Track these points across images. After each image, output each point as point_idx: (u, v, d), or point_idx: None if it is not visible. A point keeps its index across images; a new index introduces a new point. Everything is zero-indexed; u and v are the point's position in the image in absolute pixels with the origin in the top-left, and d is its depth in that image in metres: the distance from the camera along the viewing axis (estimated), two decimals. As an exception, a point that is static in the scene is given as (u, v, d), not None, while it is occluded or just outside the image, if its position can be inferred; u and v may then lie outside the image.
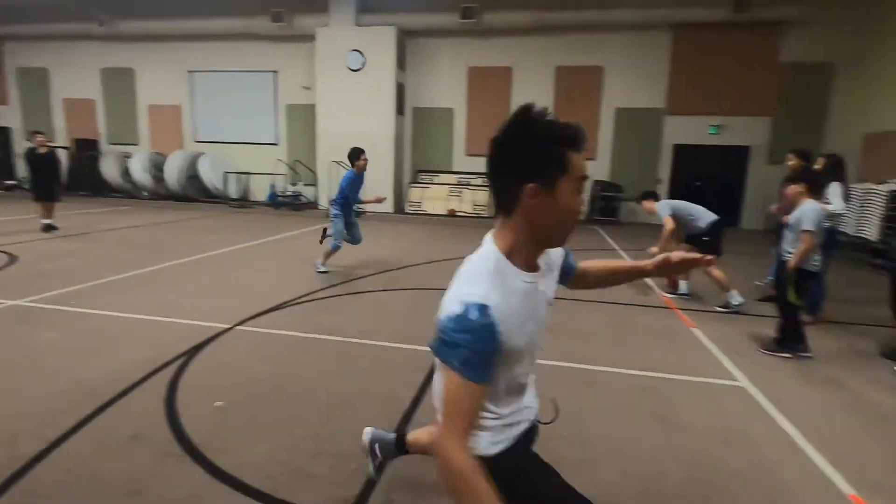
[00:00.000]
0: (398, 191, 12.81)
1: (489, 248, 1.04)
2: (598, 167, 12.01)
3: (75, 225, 8.62)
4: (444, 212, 12.29)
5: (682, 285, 5.23)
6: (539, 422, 1.31)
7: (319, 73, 12.36)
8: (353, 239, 5.97)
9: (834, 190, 4.12)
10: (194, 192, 13.25)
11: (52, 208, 8.12)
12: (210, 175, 13.04)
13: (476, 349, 0.93)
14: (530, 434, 1.25)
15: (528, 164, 0.98)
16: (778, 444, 2.49)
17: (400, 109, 12.52)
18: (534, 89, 12.11)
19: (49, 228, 7.92)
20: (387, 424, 2.50)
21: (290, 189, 13.07)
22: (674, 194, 11.92)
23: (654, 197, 5.12)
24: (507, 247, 1.03)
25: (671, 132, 11.73)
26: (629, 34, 11.46)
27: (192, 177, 13.19)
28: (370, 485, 2.04)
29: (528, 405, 1.22)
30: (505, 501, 0.93)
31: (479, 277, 0.98)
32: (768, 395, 2.99)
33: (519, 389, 1.16)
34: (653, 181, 11.70)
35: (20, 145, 15.25)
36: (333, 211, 5.70)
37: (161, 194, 13.47)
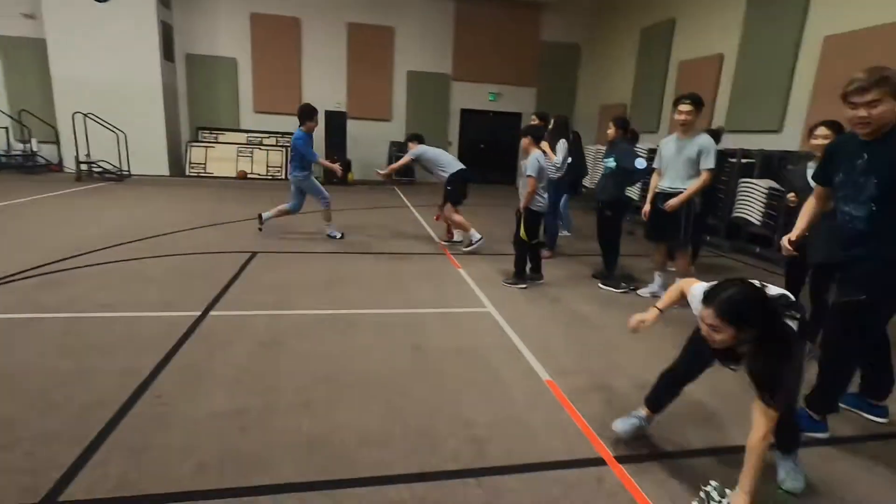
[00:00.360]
0: (174, 150, 11.19)
1: None
2: (393, 129, 12.32)
3: None
4: (232, 174, 11.22)
5: (456, 234, 5.80)
6: None
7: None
8: (295, 207, 5.64)
9: (560, 146, 4.99)
10: None
11: None
12: None
13: None
14: None
15: None
16: (506, 352, 2.99)
17: (168, 55, 10.77)
18: (326, 44, 11.66)
19: None
20: (111, 400, 2.23)
21: (19, 147, 10.31)
22: (462, 156, 13.02)
23: (418, 140, 5.65)
24: None
25: (458, 97, 12.62)
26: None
27: None
28: (70, 474, 1.80)
29: None
30: None
31: None
32: (505, 316, 3.55)
33: None
34: (444, 143, 12.55)
35: None
36: (299, 175, 5.43)
37: None
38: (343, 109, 11.68)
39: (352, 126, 11.54)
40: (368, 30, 11.79)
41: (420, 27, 12.02)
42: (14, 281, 3.72)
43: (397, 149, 11.85)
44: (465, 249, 5.39)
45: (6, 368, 2.46)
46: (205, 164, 11.24)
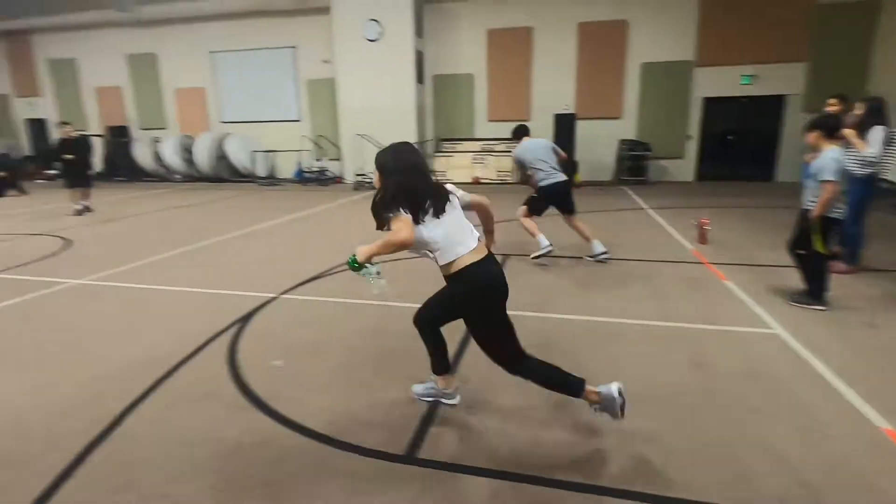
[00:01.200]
0: (422, 161, 12.84)
1: None
2: (623, 126, 11.76)
3: (116, 209, 9.03)
4: (468, 180, 12.30)
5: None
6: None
7: (338, 45, 12.32)
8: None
9: (875, 135, 4.00)
10: (224, 173, 13.59)
11: (87, 194, 8.56)
12: (238, 155, 13.33)
13: None
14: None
15: None
16: (813, 385, 2.56)
17: (420, 78, 12.42)
18: (556, 49, 11.82)
19: (83, 211, 8.35)
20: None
21: (316, 165, 13.26)
22: (704, 150, 11.65)
23: (523, 134, 5.00)
24: None
25: (701, 85, 11.31)
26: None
27: (221, 157, 13.50)
28: (422, 428, 2.23)
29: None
30: None
31: None
32: (803, 341, 3.04)
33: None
34: (682, 138, 11.42)
35: (58, 135, 15.85)
36: None
37: (193, 176, 13.86)
38: (571, 111, 11.67)
39: (580, 127, 11.43)
40: (600, 27, 11.49)
41: (658, 15, 11.16)
42: (339, 272, 4.81)
43: (628, 147, 11.27)
44: (532, 257, 4.87)
45: (354, 342, 3.20)
46: (445, 171, 12.60)
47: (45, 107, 16.04)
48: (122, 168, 14.36)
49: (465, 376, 2.68)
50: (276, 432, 2.23)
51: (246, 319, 3.58)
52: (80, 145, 8.56)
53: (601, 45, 11.56)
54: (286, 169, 13.91)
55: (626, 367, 2.77)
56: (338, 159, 13.26)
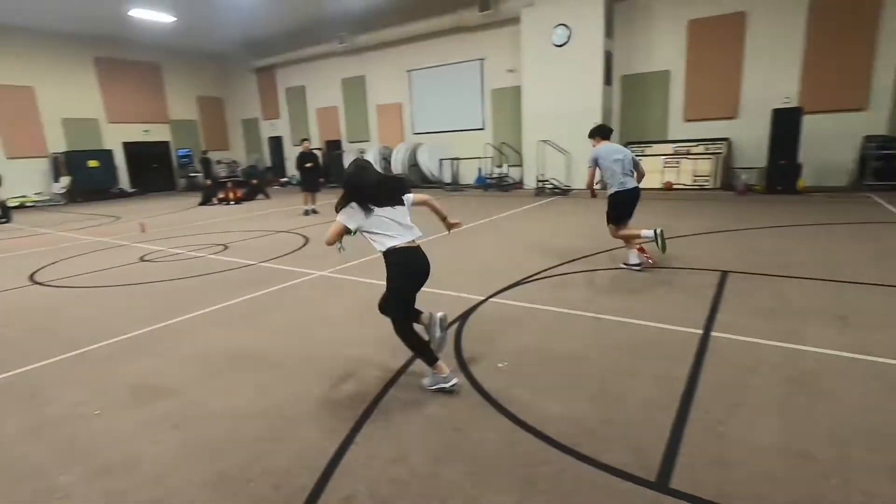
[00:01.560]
0: (606, 166, 12.32)
1: None
2: (870, 119, 9.60)
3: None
4: (658, 185, 11.38)
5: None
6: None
7: (524, 53, 12.54)
8: None
9: None
10: (416, 179, 14.93)
11: (315, 198, 10.34)
12: (427, 163, 14.51)
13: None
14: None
15: None
16: None
17: (608, 79, 11.92)
18: (776, 33, 10.22)
19: (310, 213, 10.09)
20: (667, 401, 2.52)
21: (497, 171, 13.70)
22: None
23: (600, 136, 5.21)
24: None
25: None
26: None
27: (413, 165, 14.86)
28: (670, 453, 2.09)
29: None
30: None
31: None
32: None
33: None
34: (963, 130, 8.87)
35: (289, 150, 19.30)
36: None
37: (388, 183, 15.54)
38: (794, 105, 9.95)
39: (807, 122, 9.67)
40: (841, 5, 9.56)
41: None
42: (537, 279, 4.87)
43: (878, 144, 9.16)
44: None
45: (576, 353, 3.19)
46: (631, 176, 11.85)
47: (282, 126, 19.64)
48: (336, 175, 16.79)
49: (704, 404, 2.45)
50: (518, 436, 2.32)
51: (463, 319, 3.84)
52: (314, 157, 10.42)
53: (842, 20, 9.62)
54: (468, 175, 14.67)
55: (932, 425, 2.22)
56: (518, 165, 13.50)
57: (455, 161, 14.62)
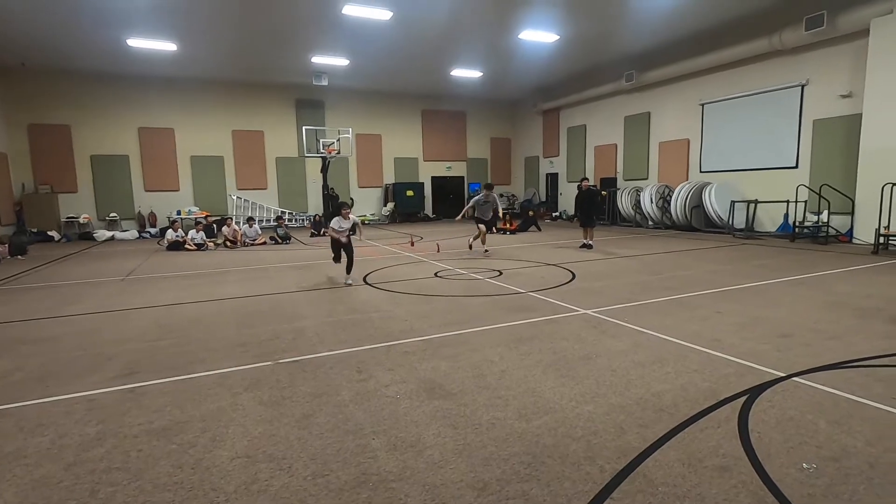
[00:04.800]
0: None
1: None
2: None
3: (608, 248, 10.42)
4: None
5: None
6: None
7: (871, 74, 9.92)
8: None
9: None
10: (697, 222, 13.44)
11: (592, 234, 10.49)
12: (715, 205, 12.88)
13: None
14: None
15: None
16: None
17: None
18: None
19: (586, 247, 10.29)
20: None
21: (812, 218, 11.10)
22: None
23: None
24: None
25: None
26: None
27: (696, 206, 13.41)
28: None
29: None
30: None
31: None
32: None
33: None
34: None
35: (563, 186, 20.07)
36: None
37: (665, 224, 14.41)
38: None
39: None
40: None
41: None
42: (869, 365, 3.71)
43: None
44: None
45: (921, 477, 2.32)
46: None
47: (559, 164, 20.61)
48: (606, 213, 16.59)
49: None
50: (827, 562, 1.81)
51: (753, 394, 3.24)
52: (593, 195, 10.72)
53: None
54: (769, 222, 12.36)
55: None
56: (847, 213, 10.65)
57: (752, 204, 12.56)
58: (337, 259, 7.51)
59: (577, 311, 5.49)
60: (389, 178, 20.89)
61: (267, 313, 5.71)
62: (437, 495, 2.26)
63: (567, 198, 19.20)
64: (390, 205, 20.27)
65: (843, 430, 2.77)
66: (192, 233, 12.57)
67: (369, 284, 7.32)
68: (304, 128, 16.76)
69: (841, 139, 11.02)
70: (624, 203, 15.78)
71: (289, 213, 18.89)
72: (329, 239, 7.53)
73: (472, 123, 22.30)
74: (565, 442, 2.71)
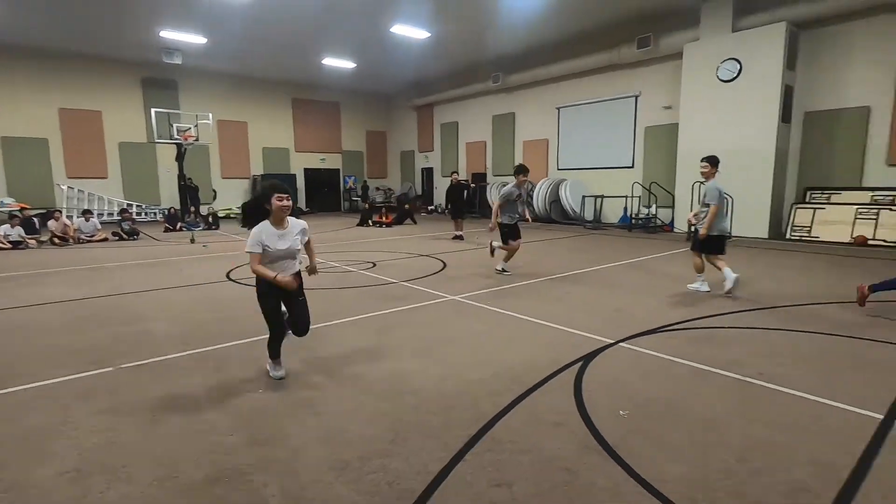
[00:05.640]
0: (777, 212, 10.86)
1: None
2: None
3: (476, 240, 11.00)
4: (846, 239, 9.66)
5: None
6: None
7: (685, 90, 11.83)
8: None
9: None
10: (555, 215, 14.83)
11: (461, 225, 10.99)
12: (570, 199, 14.33)
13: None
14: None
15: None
16: None
17: (786, 117, 10.61)
18: None
19: (458, 238, 10.77)
20: (820, 487, 2.16)
21: (644, 212, 12.95)
22: None
23: None
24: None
25: None
26: None
27: (554, 201, 14.80)
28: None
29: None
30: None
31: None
32: None
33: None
34: None
35: (438, 180, 20.67)
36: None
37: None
38: None
39: None
40: None
41: None
42: (678, 329, 4.51)
43: None
44: None
45: (711, 416, 2.91)
46: (810, 227, 10.27)
47: (434, 159, 21.17)
48: (477, 206, 17.49)
49: None
50: (629, 487, 2.19)
51: (587, 360, 3.74)
52: (461, 188, 11.23)
53: None
54: (612, 214, 14.12)
55: None
56: (669, 206, 12.60)
57: (599, 199, 14.23)
58: (276, 340, 3.38)
59: (445, 297, 5.77)
60: (258, 168, 19.60)
61: (105, 316, 5.07)
62: (297, 480, 2.26)
63: (442, 192, 19.83)
64: (259, 197, 19.07)
65: (650, 382, 3.35)
66: (4, 228, 10.53)
67: (233, 281, 6.86)
68: (153, 110, 14.90)
69: (665, 144, 12.99)
70: (493, 197, 16.79)
71: (137, 205, 16.74)
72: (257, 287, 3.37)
73: (346, 115, 21.87)
74: (426, 417, 2.87)
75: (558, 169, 16.02)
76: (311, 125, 20.83)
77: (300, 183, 20.64)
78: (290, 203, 3.24)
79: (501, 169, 17.97)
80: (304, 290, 3.46)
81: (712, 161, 5.86)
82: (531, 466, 2.36)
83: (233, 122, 18.75)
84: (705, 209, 5.81)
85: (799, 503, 2.07)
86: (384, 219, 14.86)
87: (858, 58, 9.98)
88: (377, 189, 22.28)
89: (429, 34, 13.74)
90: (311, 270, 3.55)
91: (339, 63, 16.67)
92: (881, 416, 2.81)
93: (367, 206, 18.21)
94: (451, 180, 11.26)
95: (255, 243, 3.14)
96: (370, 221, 14.87)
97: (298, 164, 20.66)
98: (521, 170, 7.05)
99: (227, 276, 7.18)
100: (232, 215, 18.25)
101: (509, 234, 7.14)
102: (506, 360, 3.73)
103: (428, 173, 21.62)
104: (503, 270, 7.18)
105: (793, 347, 4.01)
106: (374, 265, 8.00)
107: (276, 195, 3.17)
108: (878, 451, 2.46)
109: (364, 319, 4.90)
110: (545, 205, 14.80)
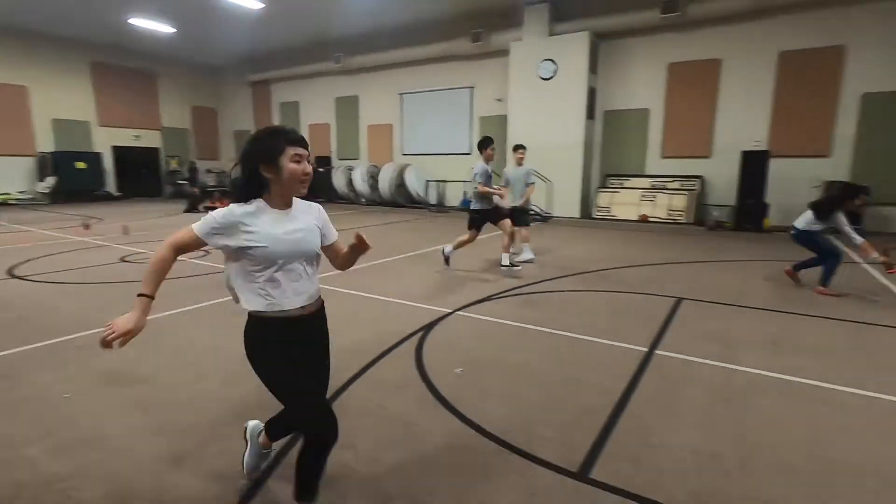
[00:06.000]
0: (586, 195, 12.75)
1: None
2: (829, 165, 10.18)
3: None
4: (634, 217, 11.81)
5: None
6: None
7: (512, 85, 13.06)
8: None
9: None
10: (401, 199, 15.21)
11: None
12: (414, 184, 14.83)
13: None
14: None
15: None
16: None
17: (590, 114, 12.45)
18: (747, 81, 10.85)
19: None
20: (604, 407, 2.73)
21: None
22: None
23: None
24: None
25: (947, 118, 9.28)
26: (887, 3, 9.46)
27: (400, 185, 15.16)
28: (595, 450, 2.30)
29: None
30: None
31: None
32: None
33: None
34: (915, 181, 9.45)
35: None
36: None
37: (375, 201, 15.79)
38: (763, 148, 10.53)
39: (773, 165, 10.21)
40: (807, 55, 10.23)
41: (889, 38, 9.55)
42: (507, 296, 5.11)
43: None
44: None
45: (527, 364, 3.41)
46: (609, 207, 12.28)
47: (273, 140, 19.88)
48: (324, 191, 17.00)
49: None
50: (460, 429, 2.51)
51: (428, 329, 4.05)
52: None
53: (808, 75, 10.27)
54: (454, 198, 15.01)
55: (836, 437, 2.47)
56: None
57: (441, 183, 14.98)
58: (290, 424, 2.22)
59: (290, 281, 5.62)
60: (48, 145, 16.18)
61: None
62: (120, 479, 2.09)
63: (284, 175, 18.74)
64: (50, 179, 15.75)
65: (481, 342, 3.79)
66: None
67: (18, 278, 5.70)
68: None
69: (498, 133, 14.16)
70: (338, 181, 16.52)
71: None
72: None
73: (166, 88, 19.20)
74: (268, 397, 2.84)
75: (403, 154, 16.41)
76: (120, 96, 17.81)
77: (108, 164, 17.62)
78: (310, 167, 1.78)
79: (347, 152, 17.73)
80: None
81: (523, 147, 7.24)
82: (374, 426, 2.54)
83: (5, 85, 15.13)
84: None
85: (585, 421, 2.61)
86: (219, 204, 13.59)
87: (640, 67, 12.14)
88: (209, 172, 20.12)
89: (262, 4, 12.79)
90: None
91: (150, 25, 14.49)
92: (646, 349, 3.63)
93: (196, 190, 16.39)
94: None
95: (210, 225, 1.72)
96: (202, 207, 13.48)
97: (104, 141, 17.56)
98: (487, 142, 6.29)
99: (10, 272, 5.94)
100: (11, 201, 14.88)
101: (479, 220, 6.26)
102: (355, 336, 3.84)
103: (267, 155, 20.24)
104: (512, 265, 6.10)
105: (590, 304, 4.87)
106: (208, 253, 7.35)
107: (291, 148, 1.68)
108: (642, 375, 3.19)
109: (198, 310, 4.53)
110: (391, 189, 15.08)
